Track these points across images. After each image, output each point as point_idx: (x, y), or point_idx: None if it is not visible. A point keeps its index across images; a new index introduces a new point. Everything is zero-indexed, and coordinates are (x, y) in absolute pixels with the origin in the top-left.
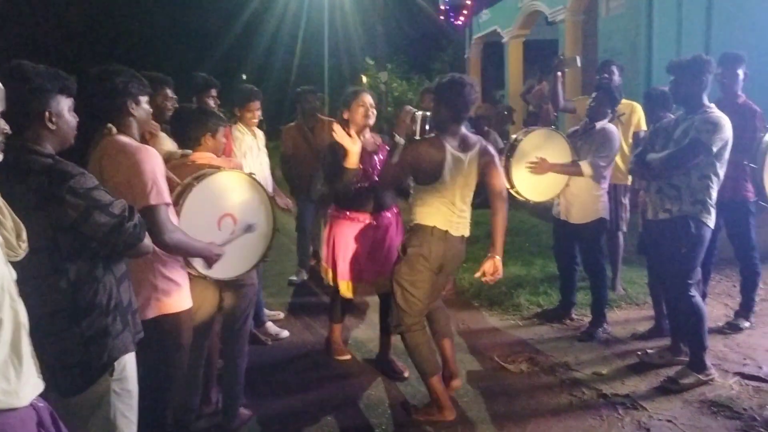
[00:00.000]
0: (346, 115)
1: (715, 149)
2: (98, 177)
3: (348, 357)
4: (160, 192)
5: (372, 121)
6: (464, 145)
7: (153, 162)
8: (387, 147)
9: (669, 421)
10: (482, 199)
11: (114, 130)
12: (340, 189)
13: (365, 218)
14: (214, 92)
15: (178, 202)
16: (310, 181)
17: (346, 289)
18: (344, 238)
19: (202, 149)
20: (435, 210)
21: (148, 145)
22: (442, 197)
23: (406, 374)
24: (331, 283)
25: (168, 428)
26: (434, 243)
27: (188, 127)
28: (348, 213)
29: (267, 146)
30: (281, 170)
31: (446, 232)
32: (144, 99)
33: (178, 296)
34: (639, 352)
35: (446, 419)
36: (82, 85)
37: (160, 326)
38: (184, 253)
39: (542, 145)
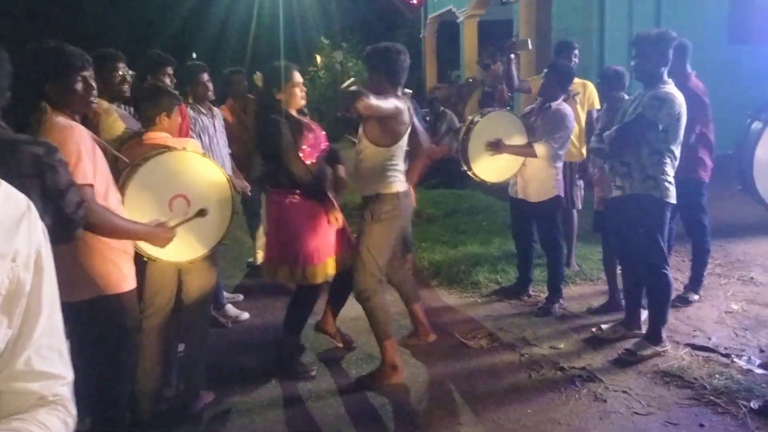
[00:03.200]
0: (279, 97)
1: (661, 125)
2: None
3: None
4: (84, 173)
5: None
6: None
7: (78, 142)
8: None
9: (624, 391)
10: (440, 180)
11: (49, 108)
12: (305, 180)
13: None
14: (169, 70)
15: (124, 183)
16: (249, 161)
17: (331, 266)
18: (305, 220)
19: (157, 129)
20: (393, 176)
21: (97, 123)
22: (395, 160)
23: (354, 344)
24: (289, 274)
25: (123, 415)
26: (402, 204)
27: (141, 106)
28: (300, 194)
29: None
30: None
31: (403, 191)
32: (82, 75)
33: (119, 277)
34: (593, 329)
35: (400, 379)
36: (18, 62)
37: (100, 307)
38: (116, 236)
39: (498, 127)
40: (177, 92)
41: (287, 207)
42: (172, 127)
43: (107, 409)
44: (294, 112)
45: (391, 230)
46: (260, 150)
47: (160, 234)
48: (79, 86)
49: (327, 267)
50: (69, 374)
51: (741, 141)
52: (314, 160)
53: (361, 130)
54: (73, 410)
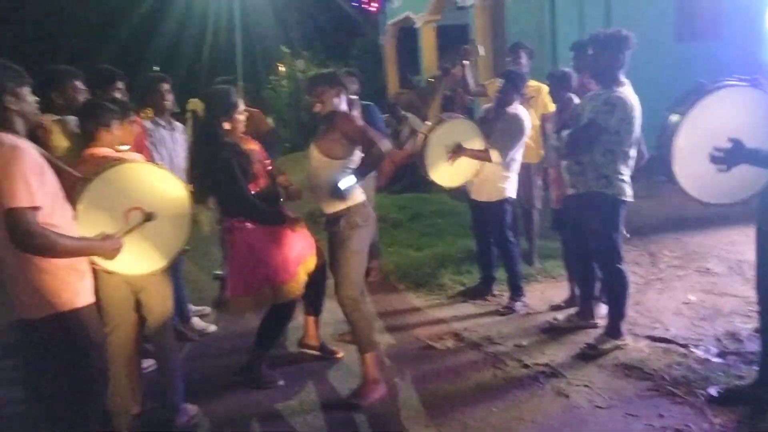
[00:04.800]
0: (227, 126)
1: (612, 129)
2: None
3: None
4: (30, 194)
5: None
6: None
7: (24, 162)
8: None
9: (586, 386)
10: (404, 185)
11: None
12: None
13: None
14: (120, 85)
15: (76, 199)
16: None
17: (303, 276)
18: (267, 241)
19: (98, 144)
20: (355, 187)
21: (47, 139)
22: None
23: (340, 355)
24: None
25: None
26: (369, 212)
27: (80, 122)
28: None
29: None
30: None
31: (365, 200)
32: (25, 91)
33: (70, 293)
34: (551, 319)
35: (383, 393)
36: None
37: (57, 324)
38: (62, 255)
39: (455, 134)
40: (132, 105)
41: (248, 233)
42: (114, 141)
43: (76, 428)
44: (238, 140)
45: (367, 236)
46: (208, 184)
47: (107, 246)
48: (28, 100)
49: (300, 279)
50: None
51: (660, 134)
52: (267, 182)
53: (313, 145)
54: None
